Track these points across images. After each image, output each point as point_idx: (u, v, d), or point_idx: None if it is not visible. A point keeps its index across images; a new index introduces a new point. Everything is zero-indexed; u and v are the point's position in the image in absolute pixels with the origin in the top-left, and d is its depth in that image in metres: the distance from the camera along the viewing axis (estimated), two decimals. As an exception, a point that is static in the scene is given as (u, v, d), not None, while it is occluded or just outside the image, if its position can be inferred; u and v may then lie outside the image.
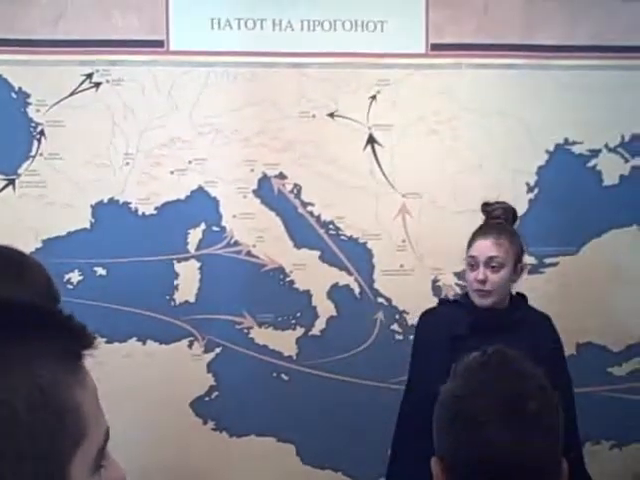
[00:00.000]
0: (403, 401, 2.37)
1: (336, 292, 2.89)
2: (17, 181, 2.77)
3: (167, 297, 2.83)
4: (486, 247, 2.28)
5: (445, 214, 2.89)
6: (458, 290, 2.88)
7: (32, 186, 2.77)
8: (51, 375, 0.70)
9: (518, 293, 2.42)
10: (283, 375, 2.87)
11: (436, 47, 2.93)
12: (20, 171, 2.77)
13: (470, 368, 1.21)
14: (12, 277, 1.22)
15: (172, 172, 2.83)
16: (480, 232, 2.32)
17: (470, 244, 2.32)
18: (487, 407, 1.12)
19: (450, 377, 1.22)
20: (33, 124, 2.78)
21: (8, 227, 2.58)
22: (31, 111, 2.78)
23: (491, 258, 2.26)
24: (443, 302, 2.51)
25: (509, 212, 2.38)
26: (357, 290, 2.89)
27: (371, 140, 2.91)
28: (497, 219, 2.35)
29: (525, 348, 2.25)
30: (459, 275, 2.88)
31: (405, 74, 2.91)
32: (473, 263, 2.29)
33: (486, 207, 2.38)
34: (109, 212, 2.81)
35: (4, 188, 2.77)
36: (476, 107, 2.94)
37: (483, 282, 2.26)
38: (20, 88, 2.77)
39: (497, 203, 2.39)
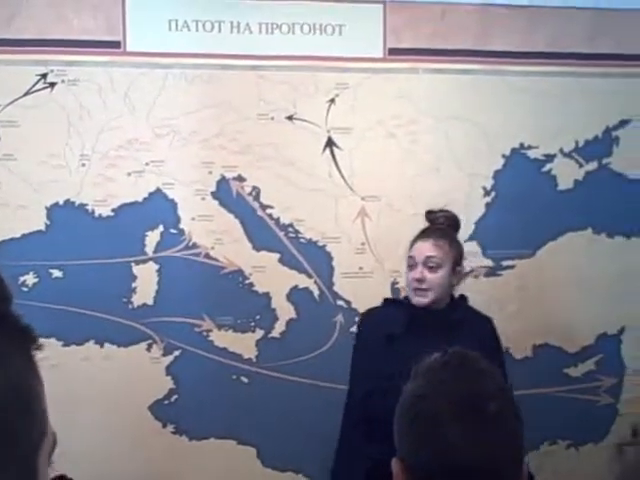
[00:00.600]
0: (346, 398, 2.45)
1: (296, 295, 2.88)
2: (-29, 182, 2.72)
3: (125, 300, 2.78)
4: (425, 248, 2.39)
5: (403, 217, 2.90)
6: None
7: (-14, 187, 2.72)
8: (18, 369, 0.72)
9: (461, 296, 2.51)
10: (243, 378, 2.84)
11: (393, 52, 2.96)
12: (-26, 172, 2.72)
13: (430, 368, 1.20)
14: None
15: (129, 174, 2.79)
16: (421, 235, 2.44)
17: (411, 246, 2.43)
18: (446, 407, 1.11)
19: (411, 377, 1.22)
20: (-13, 124, 2.72)
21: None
22: (-15, 111, 2.72)
23: (429, 258, 2.38)
24: (386, 302, 2.56)
25: (451, 219, 2.49)
26: (317, 293, 2.89)
27: (330, 143, 2.91)
28: (440, 225, 2.47)
29: (463, 346, 2.36)
30: (418, 278, 2.89)
31: (363, 78, 2.93)
32: (412, 263, 2.41)
33: (429, 215, 2.50)
34: (65, 214, 2.76)
35: (-44, 189, 2.71)
36: (433, 111, 2.96)
37: (421, 281, 2.37)
38: (-27, 88, 2.72)
39: (440, 211, 2.50)
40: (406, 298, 2.47)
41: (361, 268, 2.91)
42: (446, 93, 2.98)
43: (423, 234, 2.44)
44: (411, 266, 2.41)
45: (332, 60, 2.91)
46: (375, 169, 2.93)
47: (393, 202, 2.92)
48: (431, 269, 2.37)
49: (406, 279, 2.45)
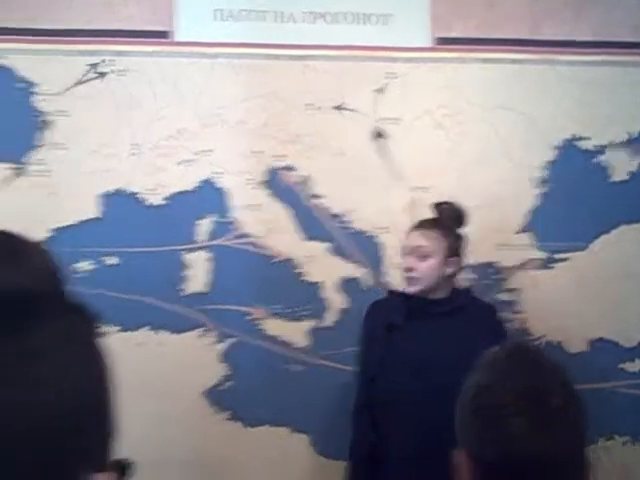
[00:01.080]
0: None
1: (346, 284, 2.85)
2: (24, 171, 2.73)
3: (177, 287, 2.78)
4: (414, 237, 2.51)
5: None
6: (468, 283, 2.85)
7: (38, 175, 2.73)
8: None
9: (465, 287, 2.63)
10: (295, 366, 2.82)
11: (442, 41, 2.94)
12: (27, 160, 2.73)
13: (494, 360, 1.20)
14: (9, 261, 1.17)
15: (179, 163, 2.79)
16: (415, 225, 2.55)
17: (406, 235, 2.55)
18: (510, 399, 1.11)
19: (474, 369, 1.20)
20: (39, 114, 2.74)
21: (16, 216, 2.51)
22: (37, 101, 2.74)
23: (418, 247, 2.48)
24: (390, 293, 2.64)
25: (454, 212, 2.56)
26: (366, 283, 2.85)
27: (378, 133, 2.89)
28: (441, 217, 2.56)
29: (461, 335, 2.41)
30: (470, 268, 2.86)
31: (411, 67, 2.91)
32: (404, 252, 2.53)
33: (436, 207, 2.59)
34: (116, 202, 2.77)
35: (11, 177, 2.72)
36: (482, 101, 2.93)
37: (410, 269, 2.48)
38: (26, 78, 2.74)
39: (445, 203, 2.58)
40: None
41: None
42: (495, 83, 2.95)
43: (417, 224, 2.54)
44: (404, 255, 2.52)
45: (380, 50, 2.90)
46: (423, 159, 2.91)
47: (442, 193, 2.88)
48: (420, 258, 2.46)
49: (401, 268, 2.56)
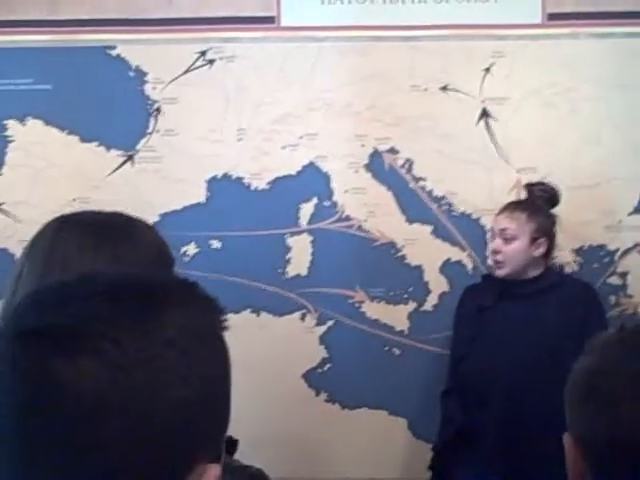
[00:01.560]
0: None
1: (448, 268, 2.84)
2: (135, 157, 2.85)
3: (279, 270, 2.85)
4: (500, 220, 2.52)
5: (561, 189, 2.78)
6: (576, 267, 2.80)
7: (149, 161, 2.85)
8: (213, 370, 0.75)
9: (560, 266, 2.66)
10: (395, 349, 2.84)
11: (553, 17, 2.84)
12: (138, 147, 2.85)
13: (606, 344, 1.15)
14: (121, 241, 1.23)
15: (284, 147, 2.84)
16: (502, 207, 2.55)
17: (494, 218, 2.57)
18: (623, 384, 1.06)
19: (585, 352, 1.17)
20: (150, 101, 2.85)
21: (127, 201, 2.61)
22: (148, 89, 2.84)
23: (503, 230, 2.49)
24: (483, 278, 2.67)
25: (545, 193, 2.56)
26: (470, 266, 2.84)
27: (485, 114, 2.84)
28: (530, 197, 2.57)
29: (552, 314, 2.39)
30: (577, 252, 2.80)
31: (520, 45, 2.83)
32: (492, 235, 2.56)
33: (527, 187, 2.61)
34: (223, 187, 2.85)
35: (123, 164, 2.85)
36: (595, 79, 2.82)
37: (496, 252, 2.50)
38: (137, 67, 2.84)
39: (538, 184, 2.61)
40: None
41: (516, 241, 2.83)
42: (609, 59, 2.83)
43: (504, 207, 2.55)
44: (492, 238, 2.56)
45: (487, 28, 2.84)
46: (532, 140, 2.84)
47: (551, 174, 2.81)
48: (506, 241, 2.47)
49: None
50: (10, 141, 2.87)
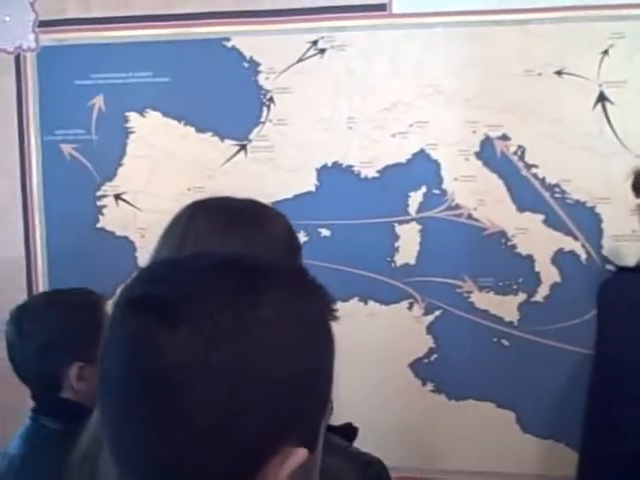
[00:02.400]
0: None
1: (561, 258, 2.78)
2: (248, 146, 2.92)
3: (388, 259, 2.86)
4: None
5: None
6: None
7: (262, 151, 2.91)
8: (317, 350, 0.81)
9: None
10: (504, 340, 2.81)
11: (677, -5, 2.71)
12: (251, 137, 2.92)
13: None
14: (251, 228, 1.27)
15: (394, 135, 2.84)
16: None
17: None
18: None
19: None
20: (263, 92, 2.90)
21: (241, 190, 2.71)
22: (261, 79, 2.90)
23: None
24: (622, 270, 2.50)
25: None
26: (583, 256, 2.77)
27: (602, 98, 2.75)
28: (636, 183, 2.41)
29: None
30: None
31: (640, 25, 2.72)
32: None
33: (634, 172, 2.44)
34: (333, 175, 2.88)
35: (237, 153, 2.93)
36: None
37: None
38: (251, 58, 2.90)
39: None
40: None
41: (634, 231, 2.73)
42: None
43: None
44: None
45: (606, 8, 2.73)
46: (651, 124, 2.74)
47: (672, 160, 2.70)
48: None
49: None
50: (131, 132, 3.00)
